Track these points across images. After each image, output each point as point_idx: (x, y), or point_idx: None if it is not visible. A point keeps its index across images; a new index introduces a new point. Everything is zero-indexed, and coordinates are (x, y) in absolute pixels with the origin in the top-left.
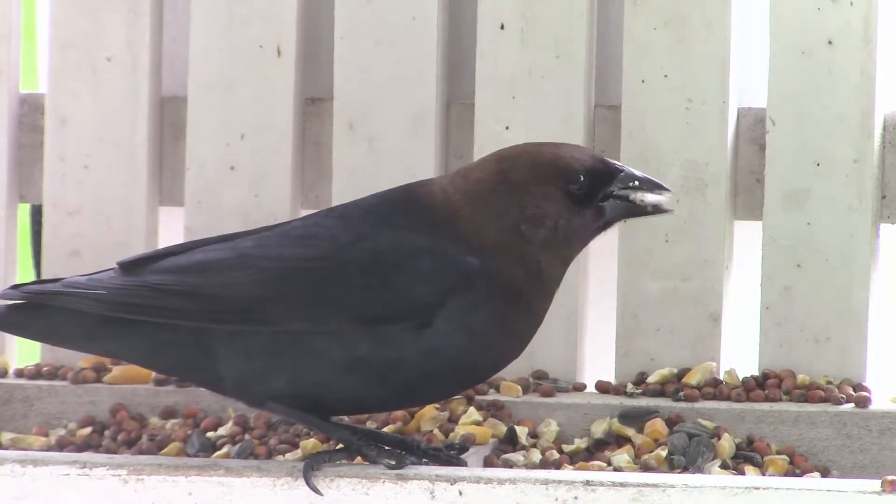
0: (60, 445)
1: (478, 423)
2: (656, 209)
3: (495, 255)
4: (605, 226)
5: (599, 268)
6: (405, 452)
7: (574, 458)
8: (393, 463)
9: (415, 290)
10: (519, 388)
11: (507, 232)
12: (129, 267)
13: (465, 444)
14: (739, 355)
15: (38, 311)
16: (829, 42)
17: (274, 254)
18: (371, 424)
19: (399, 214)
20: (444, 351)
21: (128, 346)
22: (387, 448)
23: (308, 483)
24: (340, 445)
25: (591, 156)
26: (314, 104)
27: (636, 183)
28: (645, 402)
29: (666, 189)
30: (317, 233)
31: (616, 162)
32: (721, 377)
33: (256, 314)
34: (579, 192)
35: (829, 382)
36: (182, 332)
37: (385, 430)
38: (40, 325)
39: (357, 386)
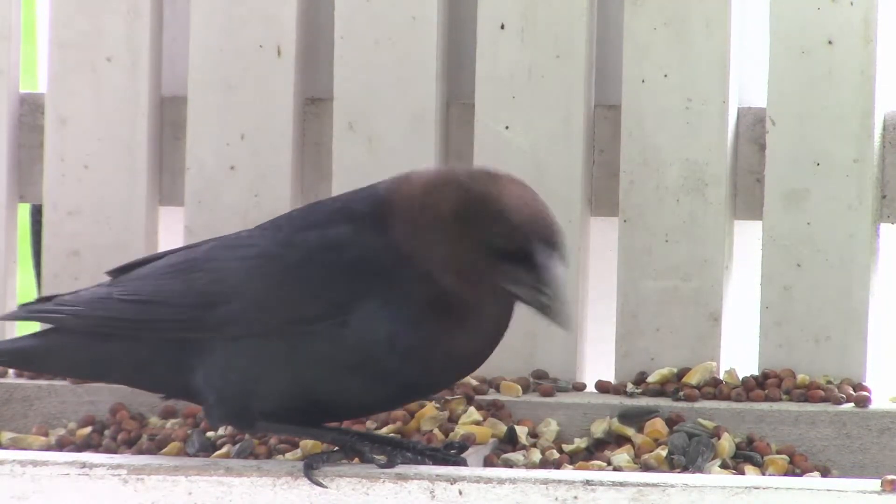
0: (60, 445)
1: (478, 423)
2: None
3: (413, 249)
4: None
5: (599, 268)
6: (398, 451)
7: (574, 458)
8: (384, 460)
9: (332, 286)
10: (519, 387)
11: (416, 227)
12: (115, 276)
13: (465, 444)
14: (739, 355)
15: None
16: (829, 42)
17: (215, 255)
18: (371, 424)
19: (338, 211)
20: (363, 350)
21: (113, 368)
22: (378, 446)
23: (310, 479)
24: (337, 448)
25: (535, 221)
26: (314, 104)
27: (539, 286)
28: (645, 401)
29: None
30: (253, 235)
31: (546, 255)
32: (721, 377)
33: (193, 321)
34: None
35: (829, 382)
36: (151, 347)
37: (384, 430)
38: (35, 357)
39: (301, 389)
